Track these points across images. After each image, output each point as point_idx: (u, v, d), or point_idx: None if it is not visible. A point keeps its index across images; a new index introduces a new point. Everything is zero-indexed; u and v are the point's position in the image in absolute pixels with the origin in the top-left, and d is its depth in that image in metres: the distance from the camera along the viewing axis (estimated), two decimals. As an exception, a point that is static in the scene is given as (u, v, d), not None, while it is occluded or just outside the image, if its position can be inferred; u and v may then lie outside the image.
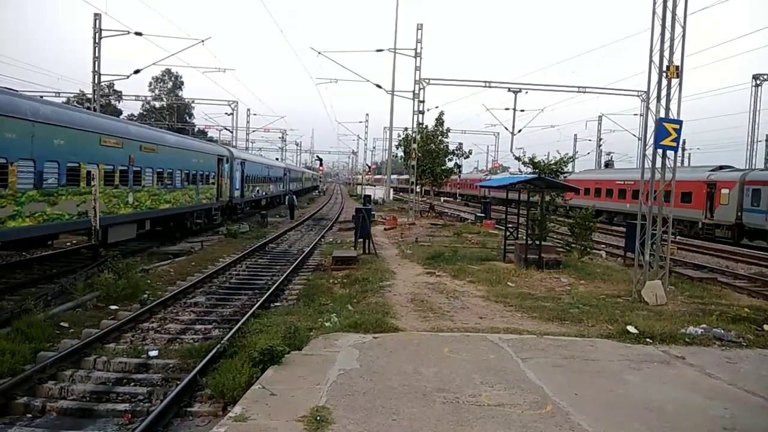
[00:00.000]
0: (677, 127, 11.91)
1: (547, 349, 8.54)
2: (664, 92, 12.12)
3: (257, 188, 39.85)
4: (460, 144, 49.78)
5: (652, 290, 12.11)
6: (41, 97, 26.43)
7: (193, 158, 25.46)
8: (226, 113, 56.16)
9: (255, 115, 71.06)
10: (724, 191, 30.27)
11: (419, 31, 34.09)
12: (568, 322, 10.32)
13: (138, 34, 30.77)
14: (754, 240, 28.46)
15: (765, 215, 26.99)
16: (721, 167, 33.72)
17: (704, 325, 10.00)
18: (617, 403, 6.49)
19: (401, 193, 71.36)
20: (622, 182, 39.50)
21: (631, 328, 9.59)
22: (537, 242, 17.01)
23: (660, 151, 12.31)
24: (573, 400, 6.44)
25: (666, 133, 11.87)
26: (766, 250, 25.56)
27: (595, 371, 7.60)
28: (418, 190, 45.43)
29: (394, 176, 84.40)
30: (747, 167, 38.01)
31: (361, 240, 20.34)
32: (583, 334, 9.52)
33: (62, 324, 10.54)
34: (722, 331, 9.65)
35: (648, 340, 9.22)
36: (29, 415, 7.07)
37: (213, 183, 28.16)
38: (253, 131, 72.04)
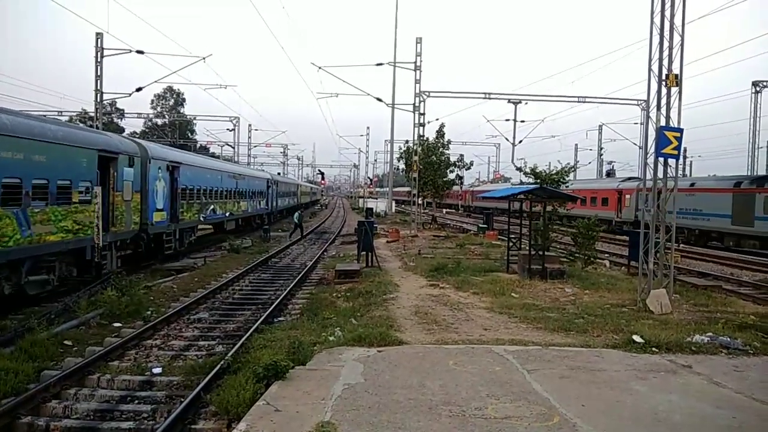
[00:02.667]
0: (678, 135, 11.92)
1: (553, 360, 8.48)
2: (664, 101, 12.15)
3: (213, 207, 27.38)
4: (462, 155, 49.90)
5: (657, 299, 12.06)
6: (44, 116, 26.58)
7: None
8: (227, 129, 56.50)
9: (256, 130, 71.07)
10: (627, 196, 38.78)
11: (419, 45, 34.30)
12: (574, 333, 10.26)
13: (140, 52, 31.03)
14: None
15: None
16: (629, 178, 43.05)
17: (710, 333, 9.93)
18: (625, 414, 6.43)
19: (403, 205, 71.37)
20: (593, 191, 44.91)
21: (636, 338, 9.52)
22: (540, 252, 16.98)
23: (661, 159, 12.32)
24: (580, 412, 6.39)
25: (667, 141, 11.88)
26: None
27: (602, 381, 7.54)
28: (420, 202, 45.46)
29: (385, 189, 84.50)
30: (748, 173, 38.29)
31: (364, 253, 20.31)
32: (588, 345, 9.46)
33: (66, 342, 10.52)
34: (729, 339, 9.58)
35: (654, 349, 9.16)
36: (33, 435, 7.03)
37: (88, 201, 15.17)
38: (255, 146, 72.32)
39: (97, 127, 30.83)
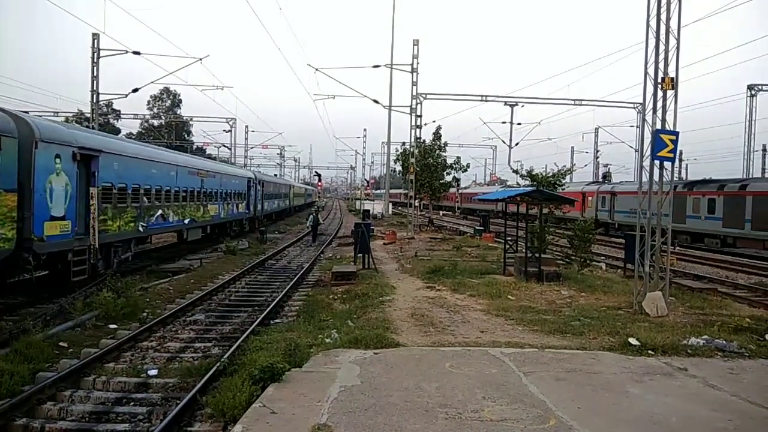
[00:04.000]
0: (674, 138, 11.96)
1: (549, 362, 8.49)
2: (659, 104, 12.20)
3: (162, 212, 21.01)
4: (458, 158, 50.01)
5: (652, 301, 12.08)
6: (40, 116, 26.49)
7: None
8: (224, 130, 56.47)
9: (253, 131, 71.08)
10: (589, 198, 44.75)
11: (415, 47, 34.35)
12: (570, 335, 10.28)
13: (136, 53, 31.05)
14: (602, 228, 37.53)
15: (608, 213, 41.64)
16: (592, 182, 50.44)
17: (706, 336, 9.96)
18: (621, 417, 6.44)
19: (400, 208, 71.40)
20: (563, 193, 49.24)
21: (632, 340, 9.55)
22: (536, 255, 17.01)
23: (657, 162, 12.36)
24: (576, 414, 6.40)
25: (663, 144, 11.93)
26: (765, 260, 25.57)
27: (598, 384, 7.56)
28: (417, 204, 45.49)
29: (379, 191, 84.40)
30: (743, 176, 38.46)
31: (361, 255, 20.31)
32: (584, 347, 9.48)
33: (61, 344, 10.48)
34: (724, 342, 9.61)
35: (650, 351, 9.18)
36: (28, 437, 7.00)
37: None
38: (252, 148, 72.38)
39: (93, 128, 30.77)
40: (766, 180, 32.62)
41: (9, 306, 13.34)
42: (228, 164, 43.78)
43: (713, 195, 30.56)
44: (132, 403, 8.03)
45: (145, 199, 19.40)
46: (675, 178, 14.82)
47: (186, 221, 23.94)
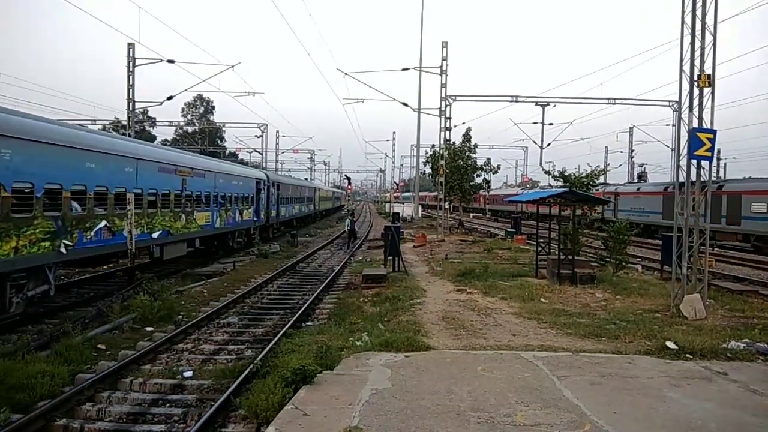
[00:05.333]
0: (711, 136, 11.67)
1: (584, 366, 8.35)
2: (696, 102, 11.91)
3: (107, 223, 15.17)
4: (488, 159, 49.71)
5: (690, 304, 11.79)
6: (80, 125, 27.22)
7: None
8: (255, 135, 57.22)
9: (284, 136, 71.90)
10: None
11: (444, 49, 34.24)
12: (605, 339, 10.09)
13: (170, 61, 31.66)
14: None
15: (612, 212, 39.49)
16: (605, 183, 50.27)
17: (746, 340, 9.67)
18: (658, 422, 6.29)
19: (429, 210, 71.18)
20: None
21: (670, 344, 9.32)
22: (570, 257, 16.75)
23: (694, 161, 12.06)
24: (612, 419, 6.27)
25: (700, 143, 11.64)
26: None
27: (634, 389, 7.39)
28: (447, 206, 45.30)
29: (407, 194, 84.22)
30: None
31: (391, 258, 20.31)
32: (620, 351, 9.29)
33: (99, 346, 10.75)
34: (766, 346, 9.32)
35: (688, 355, 8.95)
36: (68, 437, 7.19)
37: None
38: (283, 152, 73.09)
39: (130, 135, 31.48)
40: (737, 181, 33.97)
41: (50, 309, 13.75)
42: (229, 162, 35.65)
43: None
44: (168, 405, 8.19)
45: (74, 205, 13.63)
46: (713, 177, 14.43)
47: (156, 234, 17.86)
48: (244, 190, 28.06)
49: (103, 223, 14.98)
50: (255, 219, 30.06)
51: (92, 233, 14.48)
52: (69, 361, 9.48)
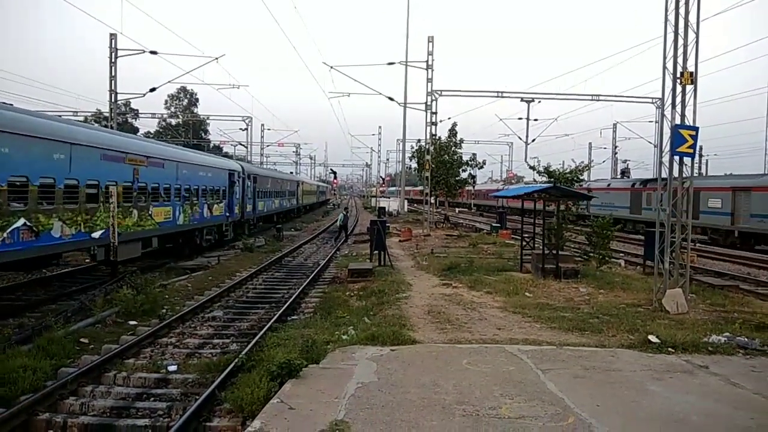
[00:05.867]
0: (693, 133, 11.80)
1: (568, 360, 8.43)
2: (678, 99, 12.04)
3: (29, 221, 12.71)
4: (474, 154, 49.82)
5: (673, 299, 11.95)
6: (60, 116, 26.81)
7: None
8: (240, 129, 56.76)
9: (269, 130, 71.32)
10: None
11: (430, 44, 34.21)
12: (588, 333, 10.19)
13: (153, 52, 31.28)
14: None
15: (585, 207, 45.13)
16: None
17: (727, 334, 9.83)
18: (641, 415, 6.37)
19: (415, 205, 71.31)
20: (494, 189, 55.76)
21: (652, 338, 9.44)
22: (554, 252, 16.88)
23: (677, 158, 12.20)
24: (595, 412, 6.35)
25: (682, 139, 11.77)
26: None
27: (617, 382, 7.49)
28: (433, 201, 45.39)
29: (394, 188, 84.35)
30: (765, 172, 38.42)
31: (377, 252, 20.33)
32: (603, 345, 9.40)
33: (82, 340, 10.64)
34: (746, 339, 9.47)
35: (670, 349, 9.07)
36: (51, 432, 7.12)
37: None
38: (268, 146, 72.72)
39: (112, 127, 31.09)
40: (697, 178, 36.17)
41: (32, 303, 13.58)
42: (196, 151, 31.18)
43: (664, 191, 35.31)
44: (152, 399, 8.14)
45: None
46: (695, 174, 14.62)
47: (97, 234, 15.41)
48: (214, 182, 25.60)
49: (21, 221, 12.40)
50: (227, 214, 27.66)
51: (5, 234, 11.94)
52: (51, 355, 9.39)
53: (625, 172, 54.82)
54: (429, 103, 34.45)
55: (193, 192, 22.72)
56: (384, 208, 47.77)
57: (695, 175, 14.09)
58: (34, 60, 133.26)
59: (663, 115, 12.69)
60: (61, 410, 7.69)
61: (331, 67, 34.70)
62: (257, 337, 10.34)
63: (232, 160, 32.85)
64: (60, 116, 25.57)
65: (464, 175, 47.63)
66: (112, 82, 32.34)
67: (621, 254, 24.51)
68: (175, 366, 9.30)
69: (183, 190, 21.55)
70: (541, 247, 17.48)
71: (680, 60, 11.95)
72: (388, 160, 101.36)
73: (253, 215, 33.24)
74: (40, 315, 12.47)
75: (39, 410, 7.43)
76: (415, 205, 71.36)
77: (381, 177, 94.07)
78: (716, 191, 30.89)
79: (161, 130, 79.51)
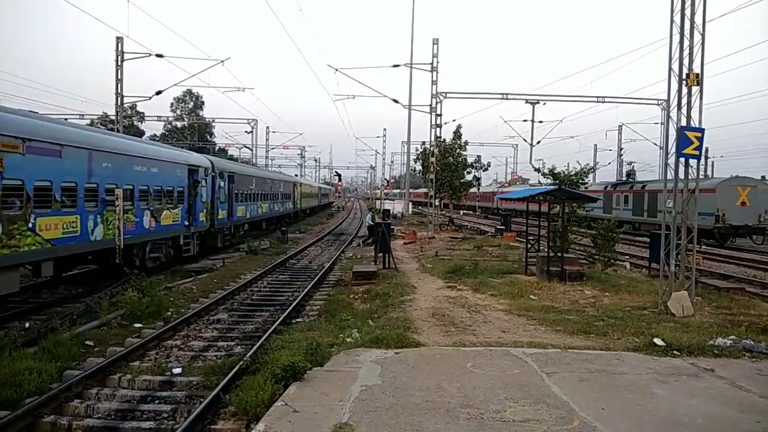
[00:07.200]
0: (699, 135, 11.76)
1: (573, 363, 8.41)
2: (684, 100, 12.00)
3: None
4: (479, 156, 49.94)
5: (678, 301, 11.89)
6: (66, 119, 26.88)
7: None
8: (245, 131, 56.82)
9: (274, 132, 71.28)
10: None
11: (435, 46, 34.25)
12: (593, 335, 10.16)
13: (159, 56, 31.38)
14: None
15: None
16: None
17: (733, 337, 9.78)
18: (646, 418, 6.35)
19: (420, 207, 71.26)
20: (484, 193, 66.45)
21: (658, 341, 9.40)
22: (559, 254, 16.84)
23: (682, 159, 12.16)
24: (600, 415, 6.32)
25: (688, 141, 11.73)
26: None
27: (623, 385, 7.46)
28: (437, 203, 45.37)
29: (396, 191, 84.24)
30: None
31: (381, 255, 20.32)
32: (608, 348, 9.36)
33: (87, 342, 10.67)
34: (752, 342, 9.42)
35: (675, 352, 9.03)
36: (56, 434, 7.14)
37: None
38: (273, 148, 72.71)
39: (118, 130, 31.20)
40: (655, 181, 39.03)
41: (37, 305, 13.63)
42: (129, 137, 22.68)
43: (627, 192, 40.97)
44: (157, 401, 8.15)
45: None
46: (701, 176, 14.56)
47: None
48: (162, 180, 19.18)
49: None
50: (186, 224, 21.19)
51: None
52: (57, 357, 9.41)
53: (630, 174, 54.54)
54: (434, 105, 34.47)
55: (125, 194, 16.21)
56: (389, 210, 47.74)
57: (701, 176, 14.02)
58: (41, 63, 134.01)
59: (669, 117, 12.66)
60: (66, 413, 7.70)
61: (336, 70, 34.81)
62: (262, 340, 10.35)
63: (198, 153, 26.00)
64: (66, 119, 25.16)
65: (469, 177, 47.61)
66: (119, 85, 32.49)
67: (626, 257, 24.43)
68: (180, 369, 9.31)
69: (103, 190, 15.26)
70: (546, 250, 17.44)
71: (686, 61, 11.92)
72: (392, 162, 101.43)
73: (228, 222, 26.89)
74: (46, 317, 12.51)
75: (44, 413, 7.45)
76: (420, 207, 71.35)
77: (385, 179, 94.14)
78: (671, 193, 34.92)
79: (167, 132, 79.76)
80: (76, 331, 11.23)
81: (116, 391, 8.43)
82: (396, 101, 37.51)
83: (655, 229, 34.36)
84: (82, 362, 9.56)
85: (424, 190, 56.58)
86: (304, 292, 15.52)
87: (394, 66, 36.52)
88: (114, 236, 15.71)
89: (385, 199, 67.13)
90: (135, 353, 9.94)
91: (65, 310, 13.33)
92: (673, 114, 12.25)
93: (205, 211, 23.23)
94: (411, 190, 65.77)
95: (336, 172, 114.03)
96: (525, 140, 44.81)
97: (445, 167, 41.76)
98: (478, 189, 65.38)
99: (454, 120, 46.28)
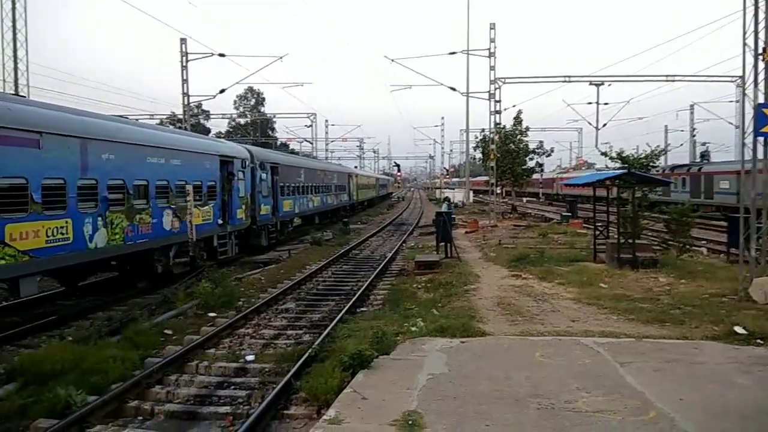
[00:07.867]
0: (779, 112, 11.05)
1: (647, 352, 8.13)
2: (761, 76, 11.29)
3: None
4: (541, 142, 48.59)
5: (760, 288, 11.26)
6: (137, 119, 28.03)
7: None
8: (305, 125, 57.88)
9: (333, 125, 72.37)
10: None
11: (492, 31, 33.58)
12: (669, 324, 9.77)
13: (221, 55, 32.34)
14: None
15: None
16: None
17: (824, 325, 9.17)
18: (727, 409, 6.07)
19: (481, 195, 70.40)
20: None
21: (739, 329, 8.96)
22: (630, 240, 16.26)
23: (761, 139, 11.46)
24: (678, 406, 6.09)
25: (766, 120, 11.04)
26: None
27: (701, 375, 7.16)
28: (499, 191, 44.67)
29: (456, 179, 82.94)
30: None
31: (443, 244, 20.24)
32: (686, 337, 9.00)
33: (166, 331, 11.20)
34: None
35: (758, 341, 8.58)
36: (140, 418, 7.55)
37: None
38: (332, 141, 73.67)
39: (186, 129, 32.35)
40: (714, 163, 40.95)
41: (119, 297, 14.41)
42: (144, 125, 21.02)
43: (685, 175, 41.55)
44: (232, 387, 8.47)
45: None
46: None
47: None
48: (188, 174, 16.51)
49: None
50: (219, 222, 18.68)
51: None
52: (138, 345, 9.91)
53: (705, 155, 51.81)
54: (492, 92, 33.84)
55: (138, 191, 14.11)
56: (449, 198, 47.44)
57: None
58: (109, 68, 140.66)
59: (744, 94, 11.97)
60: (149, 398, 8.11)
61: (392, 60, 34.77)
62: (329, 329, 10.55)
63: (232, 143, 23.88)
64: (137, 119, 25.95)
65: (531, 163, 46.58)
66: (185, 85, 33.71)
67: (703, 242, 23.31)
68: (253, 356, 9.63)
69: (104, 188, 12.71)
70: (615, 236, 16.88)
71: (762, 35, 11.21)
72: (451, 151, 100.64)
73: (273, 218, 24.43)
74: (127, 308, 13.21)
75: (129, 398, 7.88)
76: (481, 195, 70.47)
77: (444, 168, 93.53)
78: (726, 174, 35.46)
79: (231, 129, 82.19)
80: (155, 320, 11.80)
81: (194, 378, 8.81)
82: (453, 89, 37.11)
83: (711, 211, 34.46)
84: (161, 350, 10.04)
85: (485, 177, 55.86)
86: (368, 282, 15.68)
87: (451, 53, 36.21)
88: (128, 242, 13.52)
89: (444, 188, 66.73)
90: (210, 341, 10.36)
91: (144, 300, 14.04)
92: (749, 91, 11.58)
93: (243, 207, 20.70)
94: (471, 179, 65.00)
95: (395, 162, 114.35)
96: (590, 123, 43.55)
97: (505, 154, 41.04)
98: (541, 175, 63.89)
99: (513, 106, 45.22)
